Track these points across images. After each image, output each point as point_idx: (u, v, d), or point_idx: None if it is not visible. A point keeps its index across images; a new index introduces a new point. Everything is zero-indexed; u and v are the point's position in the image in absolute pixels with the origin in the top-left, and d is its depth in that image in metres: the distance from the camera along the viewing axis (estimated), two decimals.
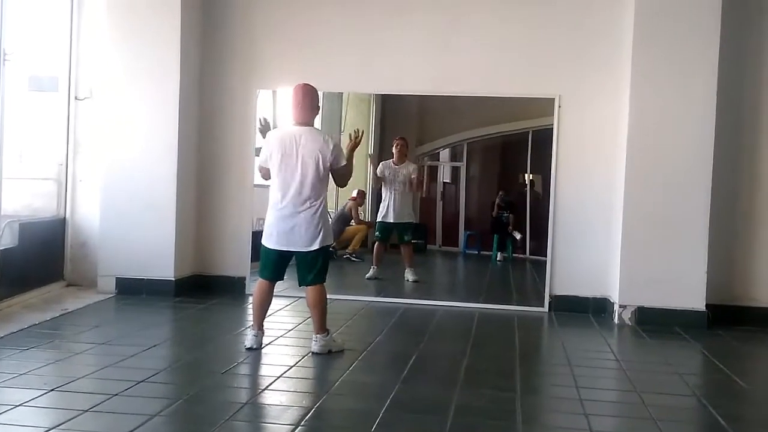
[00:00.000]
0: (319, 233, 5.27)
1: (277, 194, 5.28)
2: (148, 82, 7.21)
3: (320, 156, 5.22)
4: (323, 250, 5.33)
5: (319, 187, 5.27)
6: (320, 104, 5.53)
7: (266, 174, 5.44)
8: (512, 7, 7.38)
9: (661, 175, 6.78)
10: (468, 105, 8.46)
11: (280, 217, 5.26)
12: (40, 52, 7.57)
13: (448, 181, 10.39)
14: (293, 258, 5.37)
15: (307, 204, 5.24)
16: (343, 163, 5.32)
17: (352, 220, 9.42)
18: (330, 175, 5.35)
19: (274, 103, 8.02)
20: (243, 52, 7.64)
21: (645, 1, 6.76)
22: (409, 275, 8.56)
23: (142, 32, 7.19)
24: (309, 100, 5.36)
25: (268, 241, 5.35)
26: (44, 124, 7.71)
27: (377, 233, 8.79)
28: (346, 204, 9.35)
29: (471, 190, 10.24)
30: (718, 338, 6.43)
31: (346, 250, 9.31)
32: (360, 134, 5.60)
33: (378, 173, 8.78)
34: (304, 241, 5.26)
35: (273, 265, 5.37)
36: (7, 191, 6.50)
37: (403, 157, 8.75)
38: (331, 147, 5.27)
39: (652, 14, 6.75)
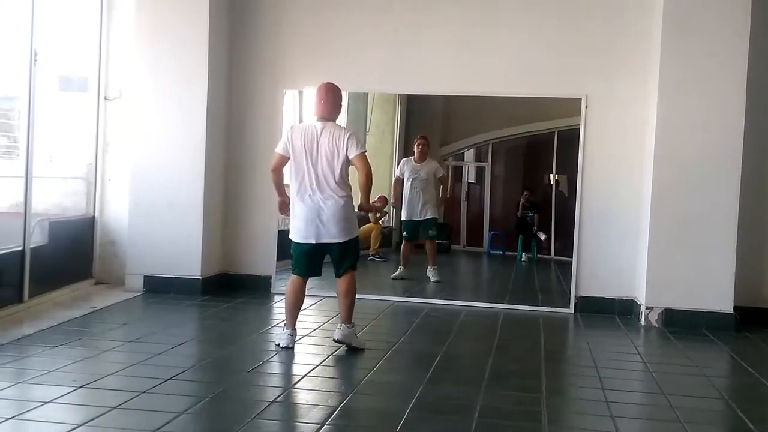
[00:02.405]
0: (347, 224, 5.33)
1: (302, 188, 5.30)
2: (177, 83, 7.26)
3: (338, 147, 5.26)
4: (353, 240, 5.41)
5: (341, 179, 5.30)
6: (342, 103, 5.53)
7: (277, 162, 5.42)
8: (538, 6, 7.35)
9: (688, 175, 6.72)
10: (493, 105, 8.45)
11: (308, 211, 5.29)
12: (70, 53, 7.66)
13: (472, 181, 10.38)
14: (326, 253, 5.41)
15: (333, 196, 5.27)
16: (359, 150, 5.27)
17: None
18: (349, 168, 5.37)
19: (300, 103, 8.06)
20: (270, 52, 7.67)
21: (673, 2, 6.70)
22: (431, 275, 8.55)
23: (171, 33, 7.25)
24: (332, 97, 5.41)
25: (298, 236, 5.38)
26: (74, 124, 7.80)
27: (404, 233, 8.80)
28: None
29: (496, 190, 10.22)
30: (746, 340, 6.37)
31: (369, 251, 9.31)
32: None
33: (398, 172, 8.79)
34: (334, 233, 5.30)
35: (306, 259, 5.40)
36: (37, 190, 6.57)
37: (424, 156, 8.76)
38: (347, 136, 5.29)
39: (681, 14, 6.69)
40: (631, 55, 7.15)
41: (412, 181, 8.73)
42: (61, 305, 6.58)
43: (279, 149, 5.43)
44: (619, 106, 7.20)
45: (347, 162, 5.30)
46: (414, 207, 8.71)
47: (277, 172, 5.47)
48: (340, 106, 5.51)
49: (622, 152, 7.19)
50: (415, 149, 8.76)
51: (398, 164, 9.00)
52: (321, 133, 5.30)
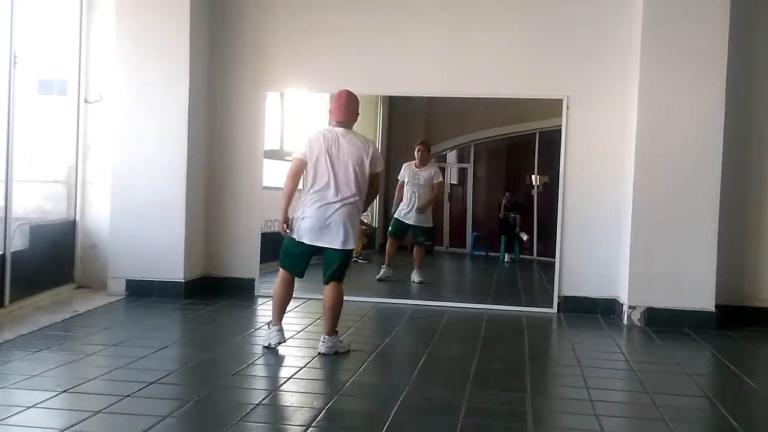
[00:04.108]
0: (351, 233, 5.33)
1: (320, 192, 5.27)
2: (158, 85, 7.23)
3: (360, 159, 5.31)
4: (350, 252, 5.40)
5: (357, 189, 5.32)
6: (359, 112, 5.56)
7: (298, 167, 5.34)
8: (520, 8, 7.39)
9: (670, 176, 6.78)
10: (475, 106, 8.46)
11: (319, 216, 5.26)
12: (50, 56, 7.61)
13: (455, 182, 10.40)
14: (316, 253, 5.39)
15: (349, 202, 5.29)
16: (380, 168, 5.44)
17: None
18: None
19: (282, 106, 8.05)
20: (251, 54, 7.66)
21: (653, 2, 6.75)
22: (415, 277, 8.58)
23: (152, 35, 7.21)
24: (352, 103, 5.48)
25: (299, 235, 5.31)
26: (54, 127, 7.75)
27: (390, 228, 8.82)
28: None
29: (478, 191, 10.24)
30: (728, 339, 6.42)
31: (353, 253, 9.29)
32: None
33: (400, 176, 8.80)
34: (337, 239, 5.28)
35: (300, 258, 5.38)
36: (17, 194, 6.51)
37: (424, 161, 8.78)
38: (371, 151, 5.37)
39: (661, 15, 6.74)
40: (612, 56, 7.20)
41: (410, 186, 8.76)
42: (43, 310, 6.53)
43: (299, 155, 5.35)
44: (600, 106, 7.25)
45: (367, 174, 5.36)
46: (408, 209, 8.72)
47: (296, 178, 5.36)
48: (358, 113, 5.55)
49: (604, 152, 7.23)
50: (416, 154, 8.78)
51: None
52: (343, 138, 5.33)
